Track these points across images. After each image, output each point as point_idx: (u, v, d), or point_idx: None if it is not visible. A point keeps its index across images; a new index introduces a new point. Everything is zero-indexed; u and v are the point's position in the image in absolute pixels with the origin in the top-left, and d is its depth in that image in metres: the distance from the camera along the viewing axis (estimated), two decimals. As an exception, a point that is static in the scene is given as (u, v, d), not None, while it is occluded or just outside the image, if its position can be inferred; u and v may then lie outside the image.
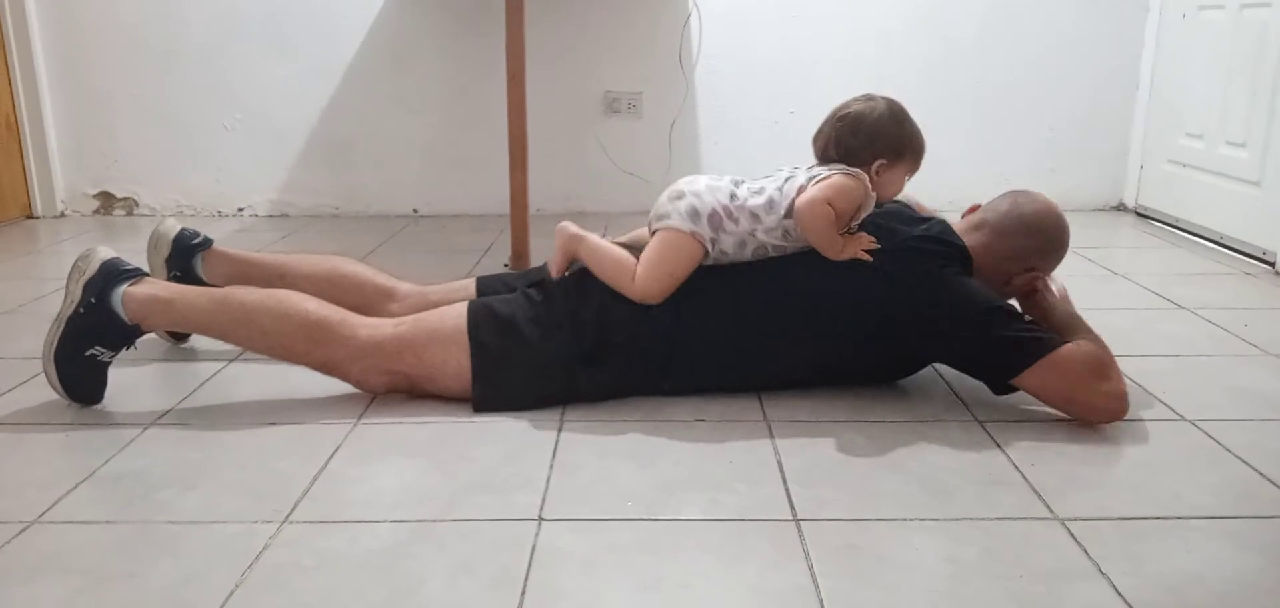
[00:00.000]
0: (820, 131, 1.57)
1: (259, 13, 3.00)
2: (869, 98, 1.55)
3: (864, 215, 1.55)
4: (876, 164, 1.52)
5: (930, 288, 1.48)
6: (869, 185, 1.51)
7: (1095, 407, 1.43)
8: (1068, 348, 1.43)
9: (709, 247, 1.52)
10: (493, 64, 2.98)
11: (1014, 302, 1.58)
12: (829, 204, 1.47)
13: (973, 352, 1.49)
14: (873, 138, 1.51)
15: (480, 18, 3.00)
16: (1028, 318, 1.53)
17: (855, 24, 3.06)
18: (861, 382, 1.60)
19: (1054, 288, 1.60)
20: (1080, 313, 1.56)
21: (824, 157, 1.56)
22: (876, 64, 3.07)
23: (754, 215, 1.51)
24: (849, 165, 1.52)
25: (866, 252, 1.49)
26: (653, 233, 1.55)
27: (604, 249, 1.54)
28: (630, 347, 1.51)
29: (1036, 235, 1.58)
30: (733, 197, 1.53)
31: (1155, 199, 3.01)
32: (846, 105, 1.55)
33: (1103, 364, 1.43)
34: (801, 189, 1.50)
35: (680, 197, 1.53)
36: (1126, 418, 1.46)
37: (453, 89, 3.08)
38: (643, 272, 1.51)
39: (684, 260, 1.51)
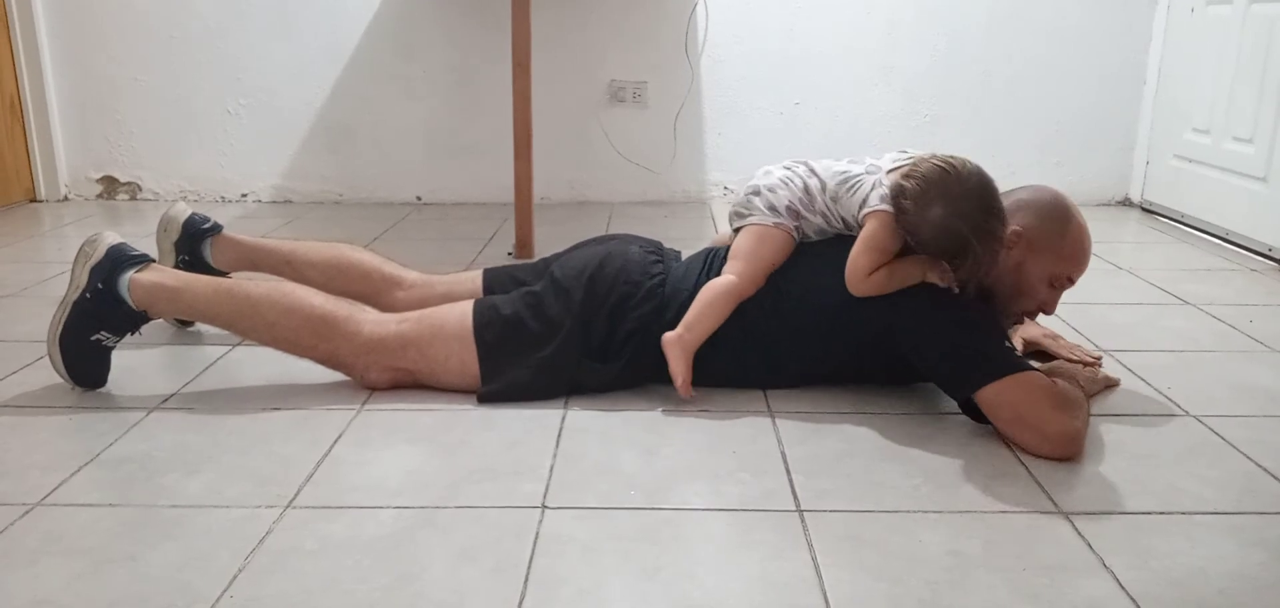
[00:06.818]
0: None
1: (264, -3, 3.01)
2: (942, 183, 1.36)
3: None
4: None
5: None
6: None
7: (1046, 434, 1.31)
8: (1034, 372, 1.35)
9: (795, 235, 1.53)
10: (498, 51, 2.98)
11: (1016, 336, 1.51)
12: (869, 271, 1.41)
13: (939, 348, 1.40)
14: (912, 231, 1.40)
15: (485, 4, 2.99)
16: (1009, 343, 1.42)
17: (862, 14, 3.03)
18: (860, 384, 1.58)
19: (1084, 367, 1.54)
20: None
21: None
22: (884, 55, 3.04)
23: (826, 216, 1.52)
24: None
25: (944, 280, 1.41)
26: (735, 230, 1.56)
27: (705, 307, 1.48)
28: (638, 338, 1.50)
29: (1039, 213, 1.48)
30: (807, 189, 1.52)
31: (1161, 194, 3.00)
32: (921, 165, 1.40)
33: (1067, 400, 1.34)
34: (865, 202, 1.45)
35: (757, 193, 1.54)
36: (1129, 414, 1.46)
37: (457, 76, 3.07)
38: (738, 267, 1.50)
39: (774, 249, 1.51)
